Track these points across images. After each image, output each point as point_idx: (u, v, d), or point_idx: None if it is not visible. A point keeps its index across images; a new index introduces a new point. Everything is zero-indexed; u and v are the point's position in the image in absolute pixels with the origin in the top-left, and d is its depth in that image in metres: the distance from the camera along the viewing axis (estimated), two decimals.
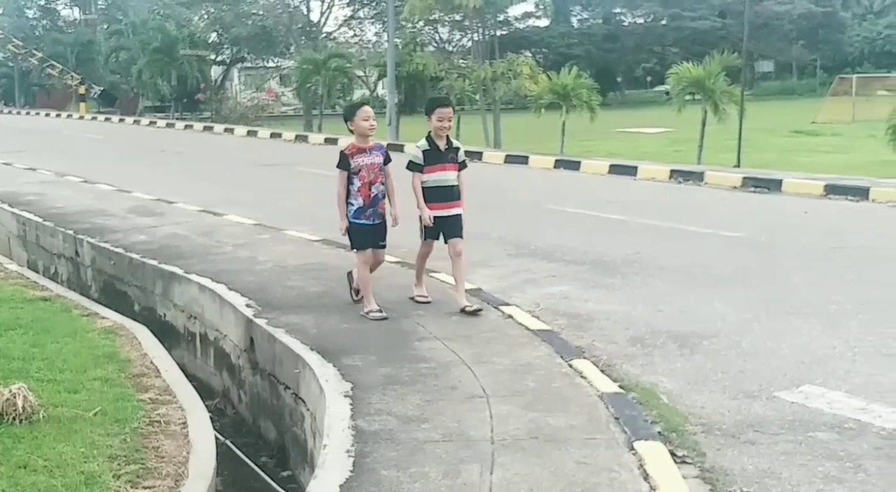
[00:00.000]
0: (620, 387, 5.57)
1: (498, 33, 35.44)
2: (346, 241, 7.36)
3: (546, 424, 4.88)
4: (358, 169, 6.94)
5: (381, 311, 7.02)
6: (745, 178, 15.20)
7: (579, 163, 18.01)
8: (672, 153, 22.46)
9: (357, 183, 6.95)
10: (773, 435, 5.00)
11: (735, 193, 14.65)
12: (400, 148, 23.06)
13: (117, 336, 7.80)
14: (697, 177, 15.80)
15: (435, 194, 7.11)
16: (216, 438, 6.97)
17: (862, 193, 13.48)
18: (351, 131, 7.04)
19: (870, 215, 12.35)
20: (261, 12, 44.12)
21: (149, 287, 9.50)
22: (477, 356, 6.09)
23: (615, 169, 17.03)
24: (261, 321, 7.09)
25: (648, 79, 60.61)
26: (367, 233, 7.04)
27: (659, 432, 4.90)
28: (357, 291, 7.38)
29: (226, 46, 47.89)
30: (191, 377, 7.33)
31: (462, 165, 7.30)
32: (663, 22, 59.64)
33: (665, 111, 23.66)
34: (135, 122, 35.62)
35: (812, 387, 5.70)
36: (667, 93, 21.02)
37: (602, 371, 5.87)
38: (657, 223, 11.52)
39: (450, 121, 7.09)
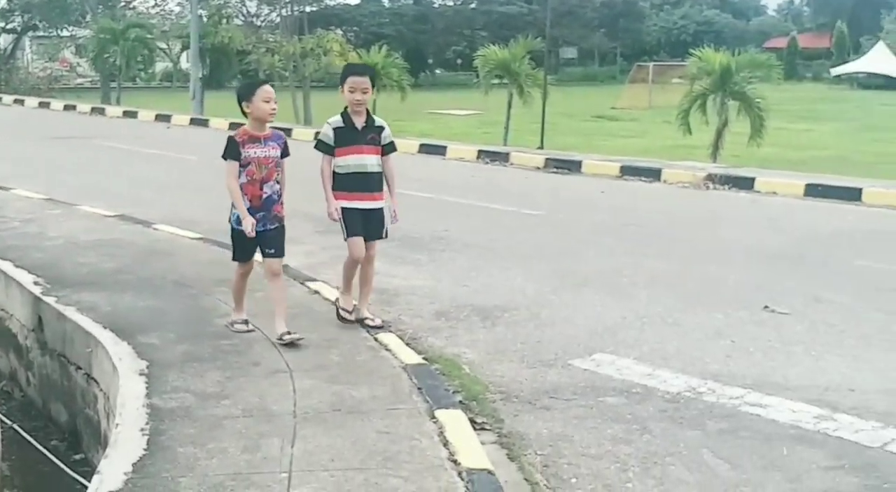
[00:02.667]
0: (424, 359, 5.63)
1: (307, 9, 34.97)
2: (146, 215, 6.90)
3: (349, 396, 4.88)
4: (247, 162, 5.59)
5: (246, 323, 5.97)
6: (547, 159, 15.73)
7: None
8: (481, 134, 22.89)
9: (244, 178, 5.60)
10: (566, 401, 5.22)
11: (538, 173, 15.13)
12: (205, 123, 22.64)
13: None
14: (503, 157, 16.21)
15: (348, 182, 5.90)
16: (2, 422, 6.59)
17: (654, 174, 14.24)
18: (244, 114, 5.66)
19: (661, 195, 13.06)
20: None
21: None
22: None
23: (425, 148, 17.20)
24: (50, 299, 6.71)
25: (458, 61, 61.56)
26: (251, 240, 5.67)
27: (460, 401, 4.99)
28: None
29: (16, 13, 44.87)
30: None
31: (387, 149, 6.02)
32: (473, 5, 60.78)
33: (474, 94, 24.10)
34: None
35: (603, 355, 5.97)
36: (477, 75, 21.35)
37: (407, 344, 5.92)
38: (464, 201, 11.75)
39: (366, 93, 5.83)
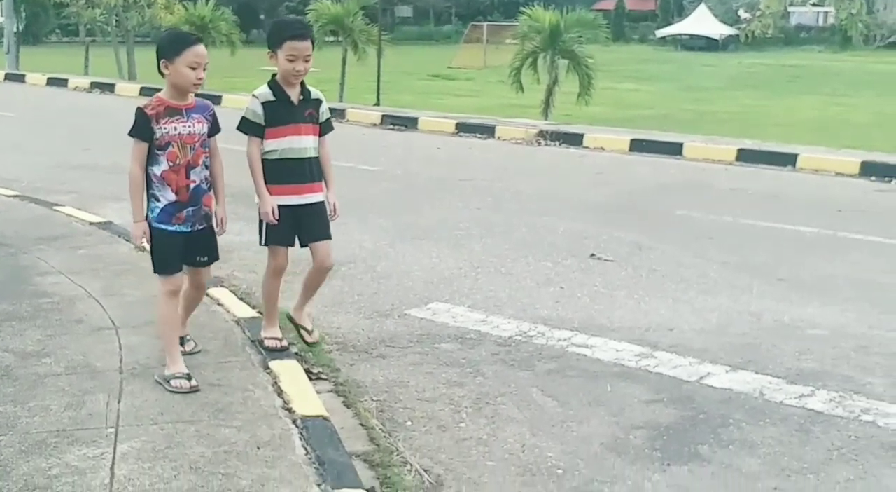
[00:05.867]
0: (259, 312, 5.56)
1: None
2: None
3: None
4: (166, 141, 4.25)
5: (189, 378, 4.29)
6: (384, 116, 15.71)
7: (220, 97, 17.56)
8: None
9: (164, 163, 4.26)
10: (402, 348, 5.28)
11: (374, 129, 15.11)
12: (20, 78, 21.39)
13: None
14: (339, 114, 16.03)
15: (283, 171, 4.63)
16: None
17: (489, 130, 14.49)
18: (161, 74, 4.35)
19: (495, 151, 13.30)
20: None
21: None
22: (106, 289, 5.78)
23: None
24: None
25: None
26: (177, 246, 4.37)
27: (295, 353, 4.96)
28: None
29: None
30: None
31: (325, 127, 4.81)
32: None
33: None
34: None
35: (439, 304, 6.07)
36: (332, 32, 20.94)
37: (241, 299, 5.83)
38: None
39: (308, 61, 4.57)
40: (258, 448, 3.73)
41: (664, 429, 4.34)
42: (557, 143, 13.74)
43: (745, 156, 12.34)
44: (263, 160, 4.62)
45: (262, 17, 59.26)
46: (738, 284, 6.67)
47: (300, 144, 4.66)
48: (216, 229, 4.52)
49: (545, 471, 3.93)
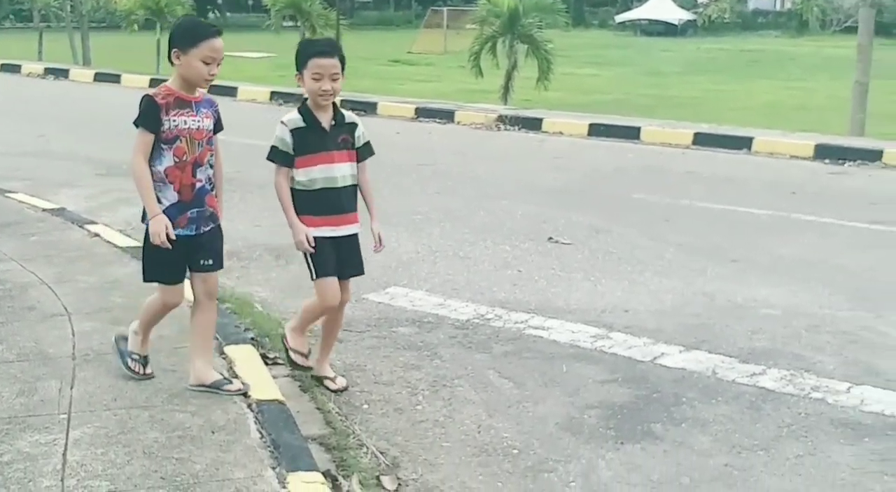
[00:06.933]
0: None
1: None
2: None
3: None
4: (174, 135, 3.92)
5: (146, 364, 4.22)
6: (343, 100, 15.04)
7: None
8: (276, 78, 22.36)
9: (169, 160, 3.93)
10: (360, 333, 5.28)
11: None
12: None
13: None
14: (297, 99, 15.77)
15: (314, 202, 4.25)
16: None
17: (448, 115, 14.49)
18: (171, 63, 4.00)
19: (455, 136, 13.30)
20: None
21: None
22: (59, 276, 5.72)
23: (213, 90, 16.52)
24: None
25: (250, 2, 59.78)
26: (178, 252, 3.96)
27: (252, 338, 4.94)
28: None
29: None
30: None
31: (363, 152, 4.43)
32: None
33: (266, 36, 23.56)
34: None
35: (397, 288, 6.07)
36: (269, 16, 20.80)
37: None
38: (255, 143, 11.42)
39: (336, 80, 4.19)
40: (213, 433, 3.72)
41: (618, 408, 4.39)
42: (517, 127, 13.77)
43: (701, 140, 12.45)
44: (293, 190, 4.26)
45: (219, 1, 58.66)
46: (692, 265, 6.75)
47: (332, 173, 4.27)
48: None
49: (501, 451, 3.96)
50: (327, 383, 4.54)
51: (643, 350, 5.10)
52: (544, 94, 17.38)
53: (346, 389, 4.52)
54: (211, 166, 4.09)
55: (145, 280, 4.09)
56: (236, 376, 4.24)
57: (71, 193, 8.21)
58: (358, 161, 4.39)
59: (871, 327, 5.52)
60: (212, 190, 4.10)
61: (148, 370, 4.20)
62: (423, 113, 14.70)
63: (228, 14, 60.04)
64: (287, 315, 5.49)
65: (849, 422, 4.28)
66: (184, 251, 3.98)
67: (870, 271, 6.71)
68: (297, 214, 4.25)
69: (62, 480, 3.31)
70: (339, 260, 4.35)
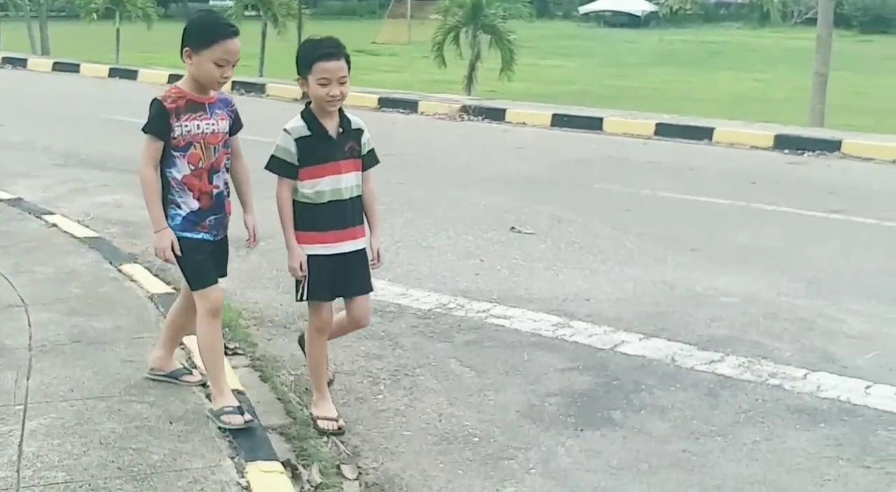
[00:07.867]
0: (174, 288, 5.48)
1: None
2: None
3: (91, 327, 4.67)
4: (186, 142, 3.69)
5: (241, 412, 3.71)
6: (304, 91, 15.50)
7: (137, 72, 17.26)
8: (239, 68, 22.28)
9: (184, 169, 3.71)
10: None
11: (296, 104, 14.73)
12: None
13: None
14: (259, 89, 15.87)
15: (319, 216, 3.90)
16: None
17: (412, 106, 14.46)
18: (183, 61, 3.74)
19: (418, 126, 13.28)
20: None
21: None
22: (15, 266, 5.64)
23: (173, 79, 16.45)
24: None
25: None
26: (206, 255, 3.81)
27: None
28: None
29: None
30: None
31: (368, 160, 4.06)
32: None
33: None
34: None
35: None
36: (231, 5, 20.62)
37: (156, 275, 5.73)
38: None
39: (343, 84, 3.84)
40: (171, 423, 3.69)
41: (578, 396, 4.42)
42: (480, 118, 13.77)
43: (663, 130, 12.54)
44: (296, 203, 3.90)
45: None
46: (653, 254, 6.80)
47: (340, 184, 3.89)
48: (247, 242, 4.00)
49: (461, 439, 3.97)
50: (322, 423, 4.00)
51: (603, 338, 5.14)
52: (508, 84, 17.41)
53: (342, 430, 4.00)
54: (227, 170, 3.88)
55: (192, 289, 3.80)
56: (195, 367, 4.21)
57: (28, 183, 8.10)
58: (363, 170, 4.03)
59: (828, 315, 5.60)
60: (228, 195, 3.89)
61: (247, 417, 3.70)
62: (386, 103, 14.65)
63: (190, 4, 59.40)
64: (247, 305, 5.47)
65: (805, 408, 4.34)
66: (210, 256, 3.82)
67: (828, 260, 6.80)
68: (297, 229, 3.89)
69: (18, 471, 3.27)
70: (342, 278, 3.98)
